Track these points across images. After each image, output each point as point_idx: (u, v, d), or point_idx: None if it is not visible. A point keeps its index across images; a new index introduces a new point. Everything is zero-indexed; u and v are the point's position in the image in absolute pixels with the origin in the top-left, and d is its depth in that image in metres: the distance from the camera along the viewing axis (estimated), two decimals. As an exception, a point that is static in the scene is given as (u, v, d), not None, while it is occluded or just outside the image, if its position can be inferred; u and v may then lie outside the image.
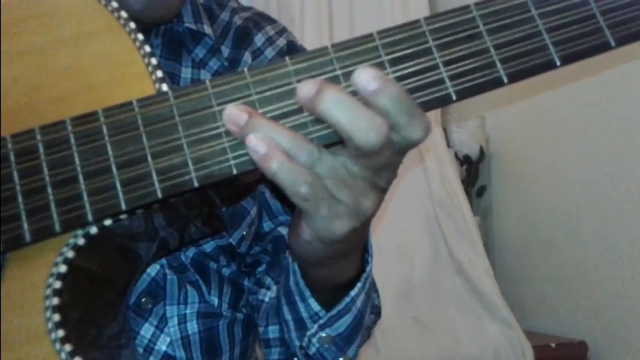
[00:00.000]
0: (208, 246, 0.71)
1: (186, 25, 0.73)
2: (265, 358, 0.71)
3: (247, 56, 0.77)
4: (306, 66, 0.47)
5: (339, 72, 0.47)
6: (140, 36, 0.51)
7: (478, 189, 1.89)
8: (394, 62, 0.47)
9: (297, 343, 0.64)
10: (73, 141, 0.46)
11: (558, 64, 0.47)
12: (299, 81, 0.47)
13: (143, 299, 0.67)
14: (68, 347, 0.45)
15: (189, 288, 0.70)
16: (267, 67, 0.47)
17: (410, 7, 1.83)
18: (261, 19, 0.81)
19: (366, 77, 0.44)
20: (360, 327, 0.62)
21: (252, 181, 0.72)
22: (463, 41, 0.47)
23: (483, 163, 1.88)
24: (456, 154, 1.86)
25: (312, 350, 0.62)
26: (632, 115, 1.42)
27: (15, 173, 0.46)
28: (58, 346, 0.45)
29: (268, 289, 0.72)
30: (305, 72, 0.47)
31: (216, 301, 0.71)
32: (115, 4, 0.52)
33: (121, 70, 0.50)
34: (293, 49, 0.81)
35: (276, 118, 0.47)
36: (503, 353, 1.55)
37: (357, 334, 0.62)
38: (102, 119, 0.47)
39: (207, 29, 0.74)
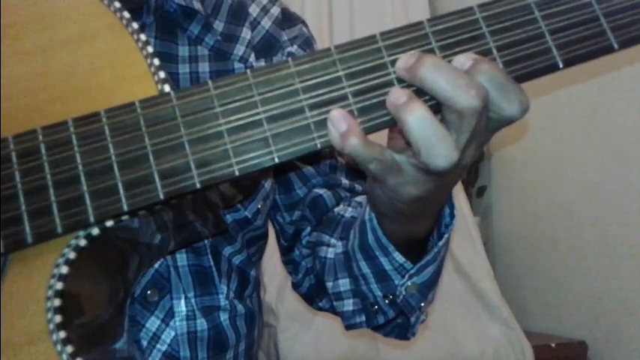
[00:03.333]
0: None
1: (176, 1, 0.73)
2: (337, 310, 0.73)
3: (245, 32, 0.78)
4: (309, 67, 0.47)
5: (341, 73, 0.47)
6: (142, 37, 0.51)
7: (478, 189, 1.89)
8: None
9: (380, 293, 0.66)
10: (75, 142, 0.46)
11: (561, 66, 0.47)
12: (302, 82, 0.47)
13: (149, 291, 0.67)
14: (70, 349, 0.45)
15: (195, 279, 0.70)
16: (269, 68, 0.47)
17: (410, 7, 1.83)
18: None
19: (461, 59, 0.46)
20: (440, 273, 0.65)
21: (254, 182, 0.72)
22: (466, 43, 0.47)
23: (483, 163, 1.88)
24: (456, 154, 1.85)
25: (400, 298, 0.64)
26: (632, 115, 1.42)
27: (17, 174, 0.46)
28: (59, 347, 0.45)
29: (329, 245, 0.73)
30: (308, 73, 0.47)
31: (225, 289, 0.72)
32: (117, 4, 0.52)
33: (124, 70, 0.50)
34: (287, 16, 0.83)
35: (277, 119, 0.47)
36: (503, 353, 1.55)
37: (437, 280, 0.65)
38: (104, 120, 0.47)
39: (196, 5, 0.74)
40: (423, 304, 0.66)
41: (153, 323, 0.68)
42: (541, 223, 1.72)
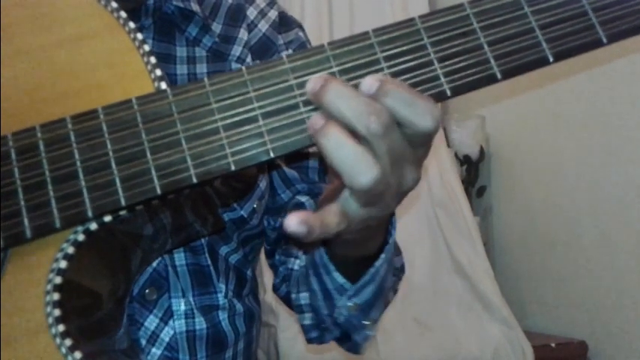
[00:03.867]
0: None
1: (174, 3, 0.74)
2: (300, 323, 0.73)
3: (242, 33, 0.79)
4: (303, 63, 0.48)
5: (335, 69, 0.48)
6: (139, 35, 0.51)
7: (478, 189, 1.90)
8: (389, 59, 0.48)
9: (325, 312, 0.67)
10: (73, 138, 0.47)
11: (551, 60, 0.48)
12: (296, 78, 0.48)
13: (147, 290, 0.68)
14: (68, 342, 0.45)
15: (193, 278, 0.70)
16: (264, 64, 0.48)
17: (410, 7, 1.83)
18: None
19: (368, 82, 0.46)
20: (382, 292, 0.65)
21: (252, 178, 0.73)
22: (457, 38, 0.48)
23: (483, 163, 1.88)
24: (455, 154, 1.86)
25: (341, 319, 0.65)
26: (632, 115, 1.43)
27: (16, 170, 0.47)
28: (58, 340, 0.46)
29: (297, 257, 0.74)
30: (302, 69, 0.48)
31: (223, 287, 0.72)
32: (114, 4, 0.52)
33: (121, 69, 0.51)
34: (284, 20, 0.83)
35: (271, 115, 0.47)
36: (503, 353, 1.55)
37: (380, 299, 0.65)
38: (102, 117, 0.47)
39: (194, 6, 0.75)
40: (367, 322, 0.66)
41: (151, 322, 0.68)
42: (541, 223, 1.72)
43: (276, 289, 0.81)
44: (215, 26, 0.77)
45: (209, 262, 0.72)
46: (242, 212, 0.74)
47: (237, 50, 0.77)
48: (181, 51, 0.74)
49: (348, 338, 0.70)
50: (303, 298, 0.71)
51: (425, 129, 0.46)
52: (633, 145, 1.42)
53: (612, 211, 1.48)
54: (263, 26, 0.81)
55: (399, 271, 0.77)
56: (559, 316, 1.66)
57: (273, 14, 0.82)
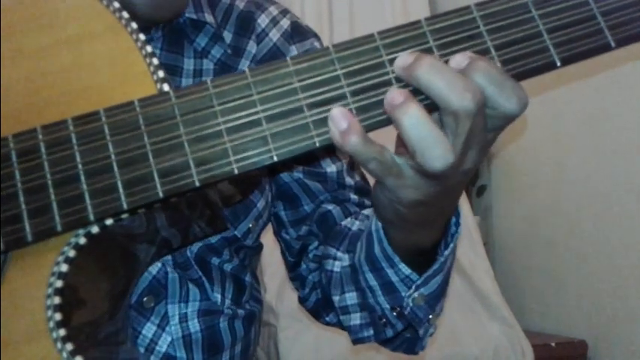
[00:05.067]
0: (213, 237, 0.71)
1: (187, 15, 0.73)
2: (344, 325, 0.72)
3: (251, 45, 0.77)
4: (308, 66, 0.47)
5: (340, 72, 0.47)
6: (142, 36, 0.51)
7: (478, 189, 1.89)
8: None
9: (388, 306, 0.65)
10: (74, 140, 0.46)
11: (559, 64, 0.47)
12: (300, 81, 0.47)
13: (145, 298, 0.67)
14: (69, 346, 0.45)
15: (191, 286, 0.70)
16: (268, 67, 0.48)
17: (410, 7, 1.83)
18: (263, 1, 0.81)
19: (457, 58, 0.46)
20: (447, 284, 0.64)
21: (255, 179, 0.72)
22: (464, 41, 0.47)
23: (483, 163, 1.88)
24: (456, 154, 1.85)
25: (407, 310, 0.63)
26: (632, 115, 1.42)
27: (16, 173, 0.46)
28: (59, 345, 0.45)
29: (335, 259, 0.73)
30: (306, 72, 0.47)
31: (219, 297, 0.72)
32: (116, 5, 0.52)
33: (123, 70, 0.50)
34: (297, 29, 0.80)
35: (275, 119, 0.47)
36: (503, 353, 1.55)
37: (445, 291, 0.65)
38: (103, 119, 0.47)
39: (208, 17, 0.74)
40: (431, 316, 0.65)
41: (149, 329, 0.68)
42: (541, 223, 1.72)
43: (303, 300, 0.80)
44: (226, 34, 0.76)
45: (200, 273, 0.71)
46: (235, 232, 0.73)
47: (244, 64, 0.76)
48: (189, 63, 0.73)
49: (409, 334, 0.69)
50: (350, 298, 0.70)
51: (509, 112, 0.46)
52: (633, 145, 1.42)
53: (612, 211, 1.48)
54: (274, 35, 0.78)
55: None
56: (559, 316, 1.66)
57: (285, 23, 0.80)
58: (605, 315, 1.50)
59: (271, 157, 0.47)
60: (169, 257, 0.69)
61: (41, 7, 0.52)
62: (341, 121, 0.46)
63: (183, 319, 0.69)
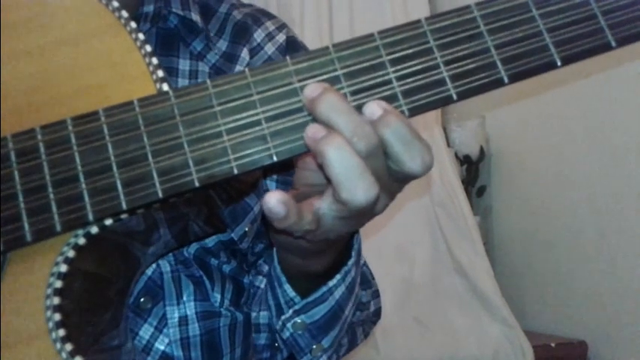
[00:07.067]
0: (210, 241, 0.71)
1: (174, 10, 0.73)
2: (254, 342, 0.71)
3: (245, 53, 0.77)
4: (307, 66, 0.47)
5: (339, 72, 0.47)
6: (141, 35, 0.51)
7: (478, 189, 1.89)
8: (395, 62, 0.47)
9: (277, 328, 0.65)
10: (73, 140, 0.46)
11: (559, 64, 0.47)
12: (300, 81, 0.47)
13: (142, 299, 0.67)
14: (69, 347, 0.45)
15: (189, 286, 0.70)
16: (268, 66, 0.48)
17: (410, 7, 1.83)
18: (261, 15, 0.81)
19: (373, 107, 0.45)
20: (338, 319, 0.62)
21: (254, 180, 0.72)
22: (464, 41, 0.47)
23: (483, 163, 1.88)
24: (456, 154, 1.86)
25: (286, 335, 0.62)
26: (632, 115, 1.42)
27: (16, 173, 0.46)
28: (58, 345, 0.45)
29: (264, 275, 0.72)
30: (306, 72, 0.47)
31: (219, 297, 0.71)
32: (115, 4, 0.52)
33: (122, 69, 0.50)
34: (293, 45, 0.80)
35: (275, 118, 0.47)
36: (503, 353, 1.55)
37: (335, 326, 0.63)
38: (103, 119, 0.47)
39: (194, 16, 0.74)
40: (314, 346, 0.63)
41: (146, 331, 0.67)
42: (541, 223, 1.72)
43: None
44: (221, 43, 0.76)
45: (201, 272, 0.71)
46: (232, 235, 0.72)
47: (239, 70, 0.76)
48: (184, 64, 0.73)
49: None
50: (263, 317, 0.69)
51: (411, 171, 0.46)
52: (634, 145, 1.42)
53: (612, 211, 1.48)
54: (269, 49, 0.78)
55: (366, 308, 0.73)
56: (559, 316, 1.66)
57: (281, 38, 0.79)
58: (605, 315, 1.50)
59: (271, 157, 0.46)
60: (170, 256, 0.68)
61: (40, 6, 0.52)
62: (278, 207, 0.45)
63: (183, 321, 0.69)
